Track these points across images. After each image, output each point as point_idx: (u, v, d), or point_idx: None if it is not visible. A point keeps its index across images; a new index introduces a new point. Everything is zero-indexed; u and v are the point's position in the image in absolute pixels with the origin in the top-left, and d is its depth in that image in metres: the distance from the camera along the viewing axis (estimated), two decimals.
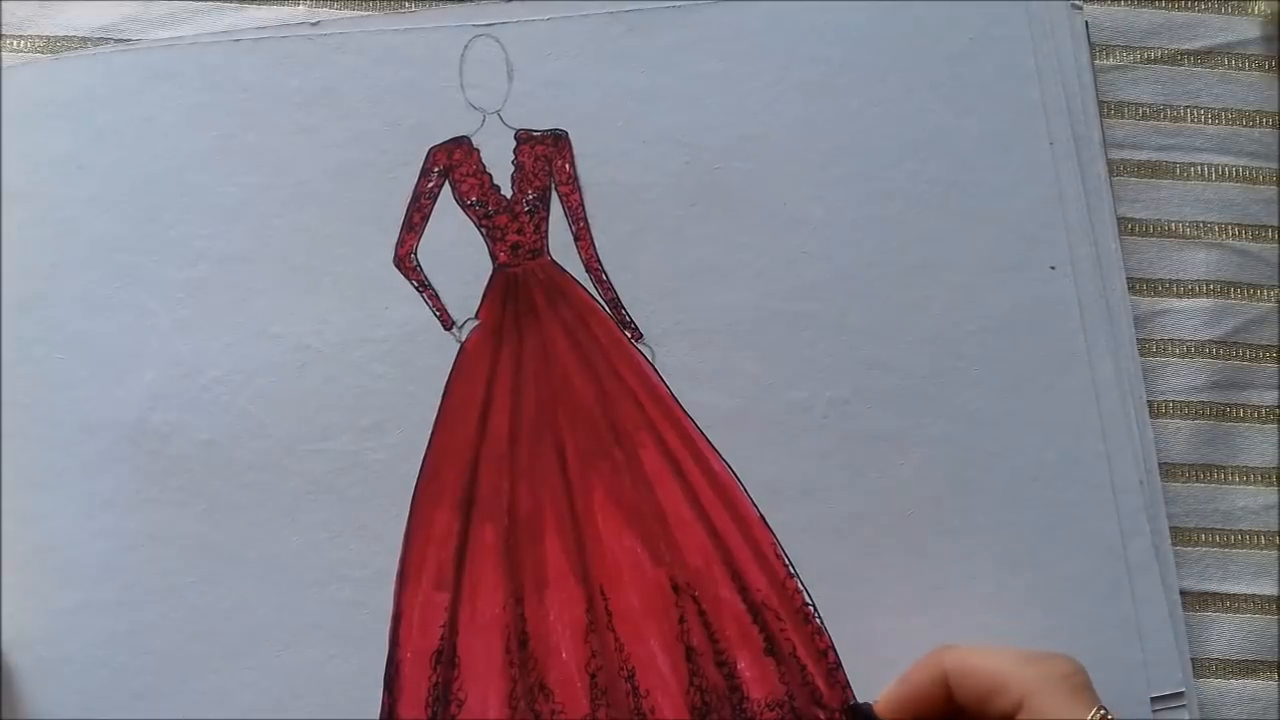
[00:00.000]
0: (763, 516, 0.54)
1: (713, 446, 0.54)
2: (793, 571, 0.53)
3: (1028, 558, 0.54)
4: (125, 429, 0.53)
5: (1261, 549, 0.56)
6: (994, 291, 0.55)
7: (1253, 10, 0.60)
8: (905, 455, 0.54)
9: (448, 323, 0.55)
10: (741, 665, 0.53)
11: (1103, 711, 0.43)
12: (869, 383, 0.55)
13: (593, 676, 0.53)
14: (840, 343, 0.55)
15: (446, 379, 0.54)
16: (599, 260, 0.55)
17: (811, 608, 0.53)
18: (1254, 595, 0.55)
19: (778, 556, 0.53)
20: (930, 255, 0.56)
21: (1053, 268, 0.56)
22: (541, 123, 0.56)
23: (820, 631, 0.53)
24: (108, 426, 0.53)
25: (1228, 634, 0.55)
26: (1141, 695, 0.53)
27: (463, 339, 0.55)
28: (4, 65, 0.57)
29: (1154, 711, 0.53)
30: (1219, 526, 0.56)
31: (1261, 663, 0.55)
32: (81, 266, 0.55)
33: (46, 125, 0.55)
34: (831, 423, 0.54)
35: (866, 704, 0.49)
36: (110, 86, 0.56)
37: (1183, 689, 0.53)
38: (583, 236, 0.56)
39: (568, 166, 0.56)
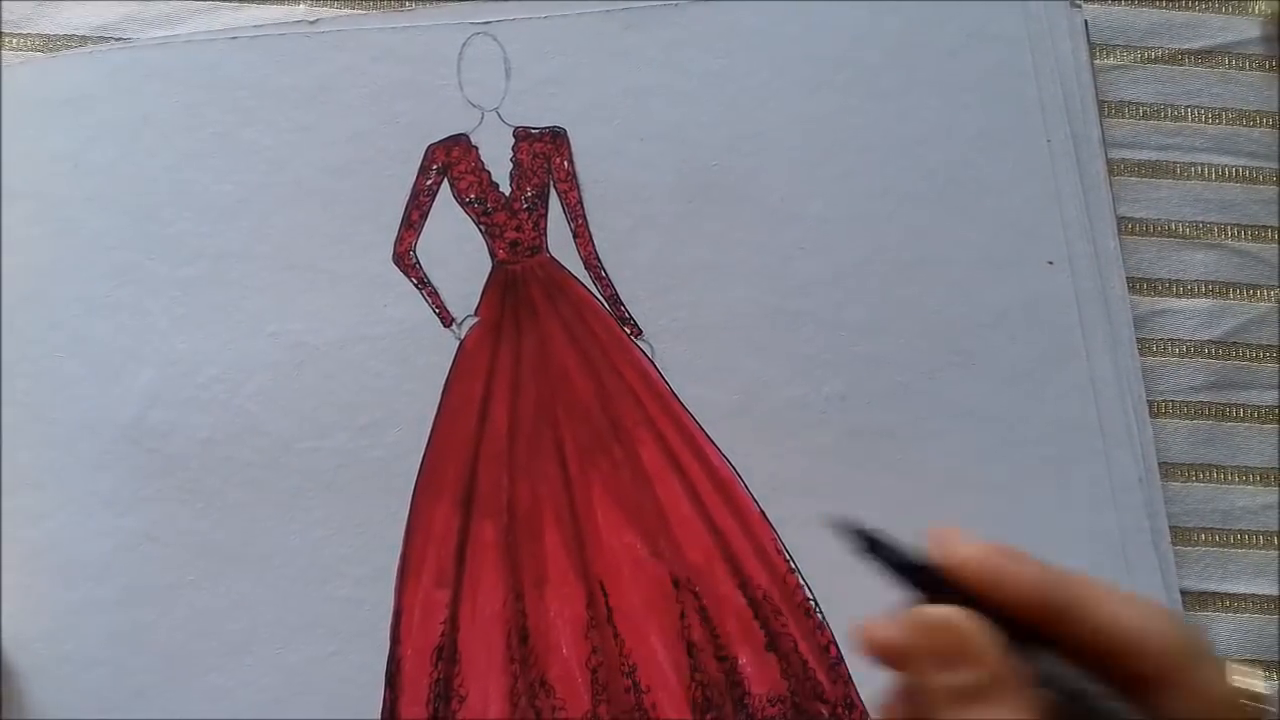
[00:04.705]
0: (763, 512, 0.54)
1: (712, 442, 0.54)
2: (793, 567, 0.53)
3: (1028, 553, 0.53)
4: (124, 427, 0.53)
5: (1261, 549, 0.56)
6: (991, 287, 0.55)
7: (1253, 10, 0.60)
8: (904, 450, 0.54)
9: (447, 320, 0.55)
10: (743, 661, 0.53)
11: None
12: (867, 378, 0.55)
13: (593, 672, 0.53)
14: (838, 338, 0.55)
15: (446, 376, 0.54)
16: (598, 257, 0.56)
17: (812, 603, 0.53)
18: (1254, 595, 0.55)
19: (778, 552, 0.53)
20: (927, 251, 0.56)
21: (1050, 263, 0.56)
22: (539, 120, 0.56)
23: (822, 626, 0.53)
24: (106, 425, 0.53)
25: (1228, 634, 0.55)
26: None
27: (462, 336, 0.55)
28: (3, 64, 0.56)
29: None
30: (1219, 526, 0.56)
31: (1261, 663, 0.55)
32: (79, 265, 0.55)
33: (44, 124, 0.55)
34: (830, 418, 0.54)
35: (879, 532, 0.36)
36: (107, 85, 0.56)
37: None
38: (581, 234, 0.56)
39: (566, 164, 0.56)
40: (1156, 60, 0.59)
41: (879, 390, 0.55)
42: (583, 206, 0.56)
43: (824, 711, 0.53)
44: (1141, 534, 0.54)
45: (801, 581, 0.53)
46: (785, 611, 0.53)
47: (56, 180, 0.55)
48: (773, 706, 0.53)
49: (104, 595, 0.52)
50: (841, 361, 0.55)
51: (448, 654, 0.53)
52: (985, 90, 0.57)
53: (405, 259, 0.55)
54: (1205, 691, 0.34)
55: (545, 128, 0.56)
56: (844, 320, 0.55)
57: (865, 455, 0.54)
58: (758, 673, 0.53)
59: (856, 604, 0.53)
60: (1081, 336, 0.55)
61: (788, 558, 0.53)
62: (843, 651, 0.53)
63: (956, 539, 0.35)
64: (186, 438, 0.53)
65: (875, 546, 0.36)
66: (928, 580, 0.35)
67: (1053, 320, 0.55)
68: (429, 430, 0.54)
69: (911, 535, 0.50)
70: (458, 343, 0.55)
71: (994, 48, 0.57)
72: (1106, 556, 0.54)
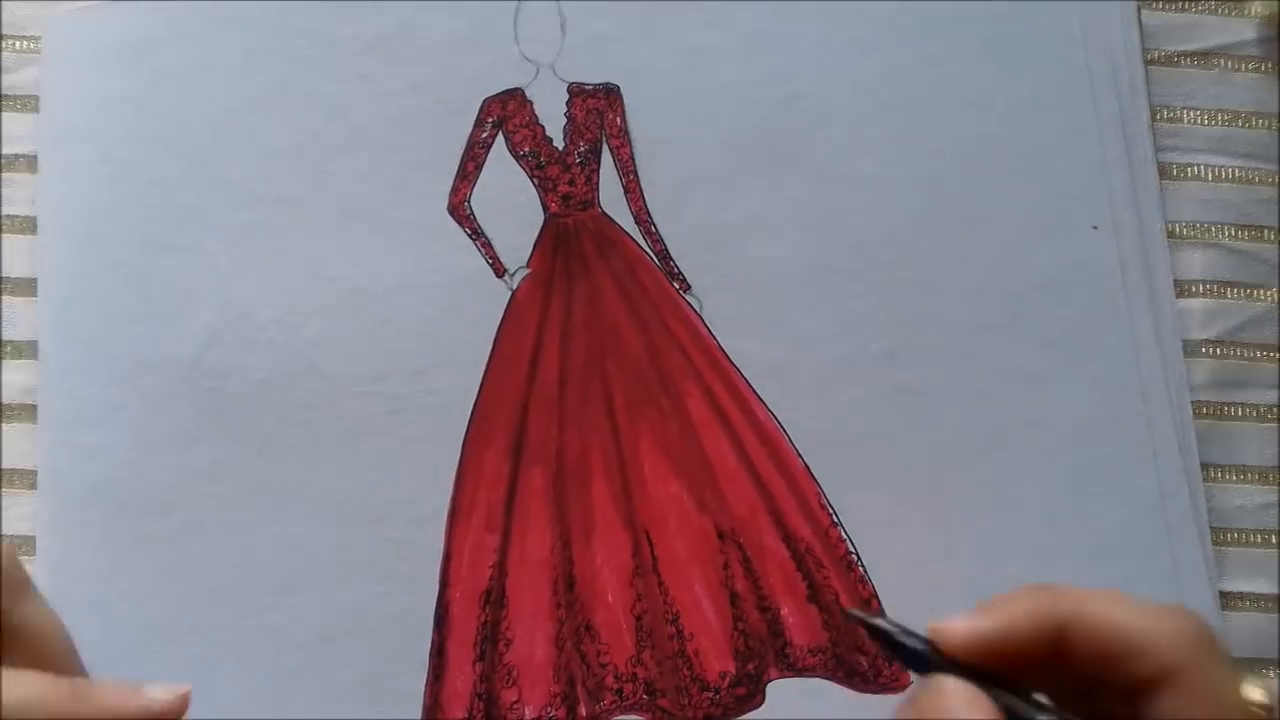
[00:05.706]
0: (807, 466, 0.54)
1: (759, 397, 0.55)
2: (836, 521, 0.54)
3: (1068, 511, 0.54)
4: (183, 367, 0.54)
5: (1260, 548, 0.56)
6: (1038, 250, 0.56)
7: (1250, 12, 0.60)
8: (949, 409, 0.55)
9: (499, 270, 0.55)
10: (785, 611, 0.54)
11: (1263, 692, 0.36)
12: (914, 337, 0.55)
13: (638, 619, 0.53)
14: (886, 297, 0.55)
15: (497, 326, 0.55)
16: (648, 213, 0.56)
17: (855, 556, 0.54)
18: (1253, 594, 0.55)
19: (822, 506, 0.54)
20: (975, 212, 0.56)
21: (1095, 227, 0.56)
22: (593, 76, 0.57)
23: (863, 580, 0.54)
24: (166, 364, 0.54)
25: (1227, 633, 0.55)
26: None
27: (514, 287, 0.55)
28: (66, 11, 0.57)
29: None
30: (1218, 525, 0.55)
31: (1261, 661, 0.55)
32: (140, 206, 0.55)
33: (108, 67, 0.56)
34: (877, 375, 0.55)
35: (893, 625, 0.37)
36: (170, 31, 0.56)
37: None
38: (632, 189, 0.56)
39: (619, 120, 0.57)
40: (1153, 61, 0.59)
41: (926, 348, 0.55)
42: (634, 162, 0.56)
43: (864, 662, 0.53)
44: (1180, 493, 0.54)
45: (844, 535, 0.54)
46: (828, 564, 0.54)
47: (119, 122, 0.56)
48: (813, 656, 0.53)
49: (160, 531, 0.53)
50: (889, 319, 0.55)
51: (495, 598, 0.53)
52: (1035, 53, 0.57)
53: (460, 209, 0.56)
54: (1207, 692, 0.34)
55: (599, 84, 0.57)
56: (892, 278, 0.56)
57: (911, 412, 0.55)
58: (799, 624, 0.54)
59: (898, 559, 0.54)
60: (1124, 299, 0.56)
61: (831, 512, 0.54)
62: (884, 605, 0.53)
63: (948, 630, 0.35)
64: (244, 378, 0.54)
65: (889, 641, 0.36)
66: (937, 664, 0.35)
67: (1097, 284, 0.56)
68: (480, 378, 0.54)
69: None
70: (510, 293, 0.55)
71: (1044, 13, 0.58)
72: (1146, 514, 0.54)
